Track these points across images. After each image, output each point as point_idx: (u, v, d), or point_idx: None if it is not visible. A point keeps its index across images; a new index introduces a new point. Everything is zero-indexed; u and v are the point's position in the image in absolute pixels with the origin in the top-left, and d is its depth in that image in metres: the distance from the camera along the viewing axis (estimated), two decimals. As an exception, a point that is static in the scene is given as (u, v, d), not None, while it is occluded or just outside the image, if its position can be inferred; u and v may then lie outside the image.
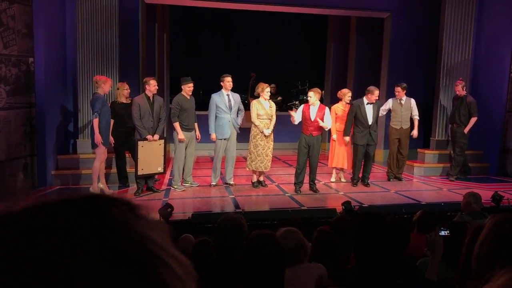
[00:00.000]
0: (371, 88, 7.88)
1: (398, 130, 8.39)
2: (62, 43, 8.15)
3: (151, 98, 7.07)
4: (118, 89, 7.54)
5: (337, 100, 8.21)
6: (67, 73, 8.27)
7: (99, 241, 0.42)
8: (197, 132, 7.58)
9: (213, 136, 7.48)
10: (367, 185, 8.08)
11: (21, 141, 7.26)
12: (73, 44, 8.20)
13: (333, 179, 8.39)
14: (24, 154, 7.32)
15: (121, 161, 7.70)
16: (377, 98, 7.91)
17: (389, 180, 8.55)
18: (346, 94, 7.98)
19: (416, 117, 8.38)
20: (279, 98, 13.63)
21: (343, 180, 8.33)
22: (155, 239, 0.45)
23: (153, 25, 10.40)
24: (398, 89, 8.37)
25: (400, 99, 8.37)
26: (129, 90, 7.56)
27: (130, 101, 7.44)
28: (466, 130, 8.46)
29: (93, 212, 0.45)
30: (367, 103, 7.85)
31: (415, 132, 8.33)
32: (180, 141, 7.29)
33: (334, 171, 8.41)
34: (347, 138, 7.92)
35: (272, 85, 13.53)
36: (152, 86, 7.04)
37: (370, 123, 7.83)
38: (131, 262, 0.42)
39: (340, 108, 8.00)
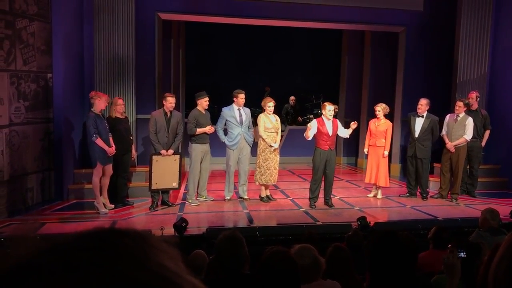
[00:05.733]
0: (420, 99, 7.76)
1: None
2: (80, 59, 8.29)
3: (168, 113, 7.15)
4: (111, 104, 7.30)
5: (352, 114, 8.14)
6: (85, 88, 8.39)
7: (119, 274, 0.43)
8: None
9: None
10: (424, 198, 7.97)
11: (39, 156, 7.37)
12: (90, 60, 8.34)
13: (371, 195, 8.24)
14: (41, 168, 7.43)
15: (113, 179, 7.15)
16: (425, 109, 7.70)
17: (442, 197, 8.04)
18: (375, 108, 7.84)
19: (465, 137, 7.69)
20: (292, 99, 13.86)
21: (379, 196, 8.04)
22: (171, 267, 0.47)
23: (169, 41, 10.54)
24: (460, 104, 7.71)
25: (458, 115, 7.77)
26: (123, 106, 7.32)
27: (125, 117, 7.41)
28: (484, 143, 8.34)
29: (109, 247, 0.46)
30: (417, 115, 7.75)
31: (449, 144, 7.78)
32: (205, 131, 7.27)
33: (373, 186, 8.17)
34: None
35: (292, 98, 13.71)
36: (168, 102, 7.12)
37: (416, 135, 7.75)
38: None
39: (373, 122, 7.92)
